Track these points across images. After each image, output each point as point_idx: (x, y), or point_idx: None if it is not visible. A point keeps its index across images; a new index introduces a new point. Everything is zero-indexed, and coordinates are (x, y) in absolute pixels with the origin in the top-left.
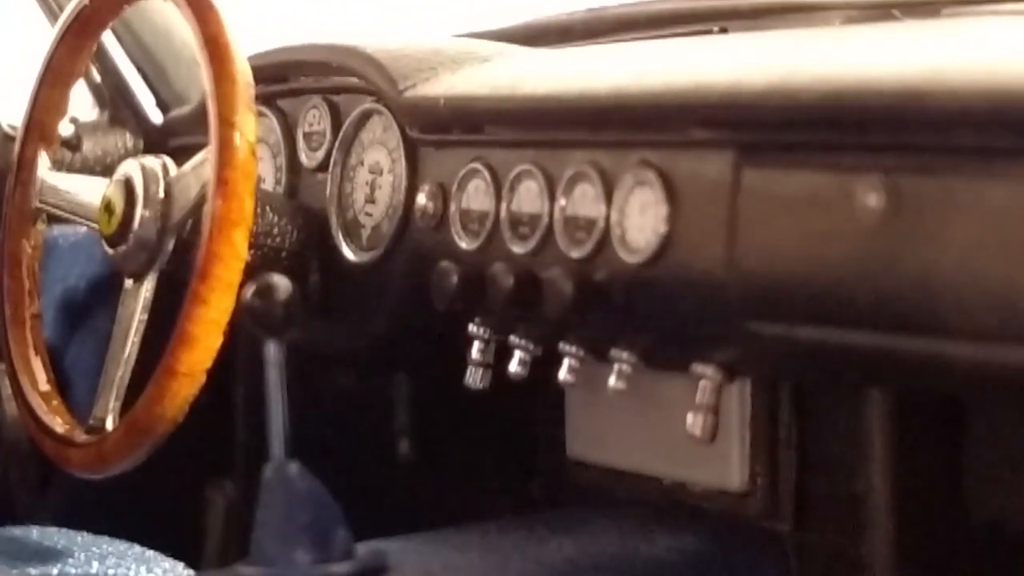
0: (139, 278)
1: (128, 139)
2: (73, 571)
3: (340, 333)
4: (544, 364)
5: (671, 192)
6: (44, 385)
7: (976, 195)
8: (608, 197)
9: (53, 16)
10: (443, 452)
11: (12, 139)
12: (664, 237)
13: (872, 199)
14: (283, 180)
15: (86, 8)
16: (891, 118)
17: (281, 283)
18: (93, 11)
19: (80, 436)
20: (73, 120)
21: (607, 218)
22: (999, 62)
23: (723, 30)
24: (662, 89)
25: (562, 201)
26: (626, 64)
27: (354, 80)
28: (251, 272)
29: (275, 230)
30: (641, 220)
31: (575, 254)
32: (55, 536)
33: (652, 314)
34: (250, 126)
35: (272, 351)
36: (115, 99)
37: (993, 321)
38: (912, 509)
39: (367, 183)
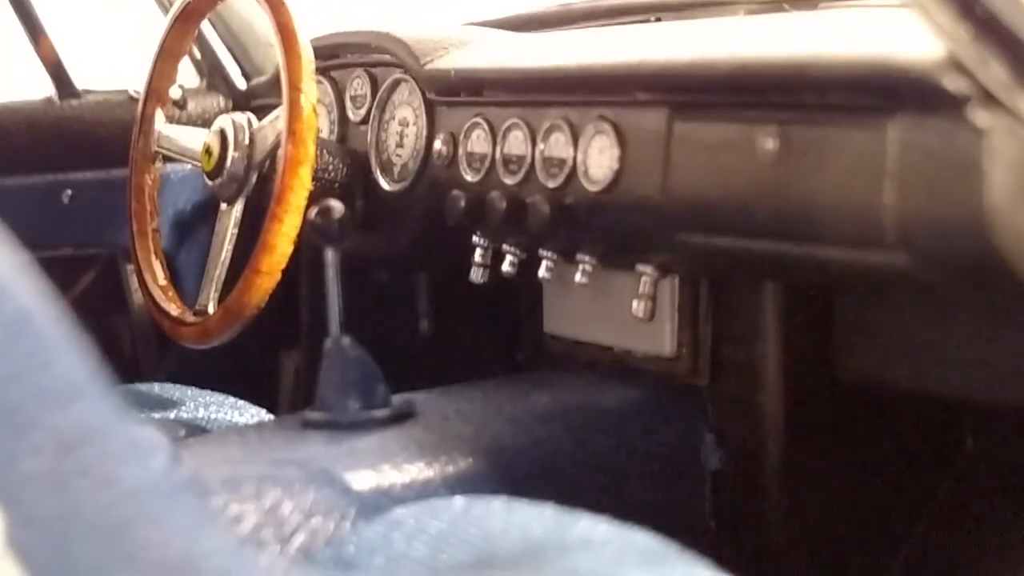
0: (231, 203)
1: (221, 100)
2: (185, 415)
3: (378, 243)
4: (528, 265)
5: (622, 138)
6: (162, 280)
7: (845, 139)
8: (575, 142)
9: (164, 9)
10: (453, 330)
11: (136, 100)
12: (616, 172)
13: (769, 143)
14: (336, 130)
15: (190, 4)
16: (783, 83)
17: (336, 206)
18: (195, 6)
19: (189, 318)
20: (181, 86)
21: (574, 158)
22: (861, 42)
23: (658, 19)
24: (614, 63)
25: (541, 146)
26: (588, 45)
27: (388, 57)
28: (313, 198)
29: (330, 167)
30: (599, 159)
31: (551, 184)
32: (171, 390)
33: (607, 228)
34: (312, 91)
35: (330, 256)
36: (211, 71)
37: (856, 231)
38: (795, 368)
39: (397, 133)
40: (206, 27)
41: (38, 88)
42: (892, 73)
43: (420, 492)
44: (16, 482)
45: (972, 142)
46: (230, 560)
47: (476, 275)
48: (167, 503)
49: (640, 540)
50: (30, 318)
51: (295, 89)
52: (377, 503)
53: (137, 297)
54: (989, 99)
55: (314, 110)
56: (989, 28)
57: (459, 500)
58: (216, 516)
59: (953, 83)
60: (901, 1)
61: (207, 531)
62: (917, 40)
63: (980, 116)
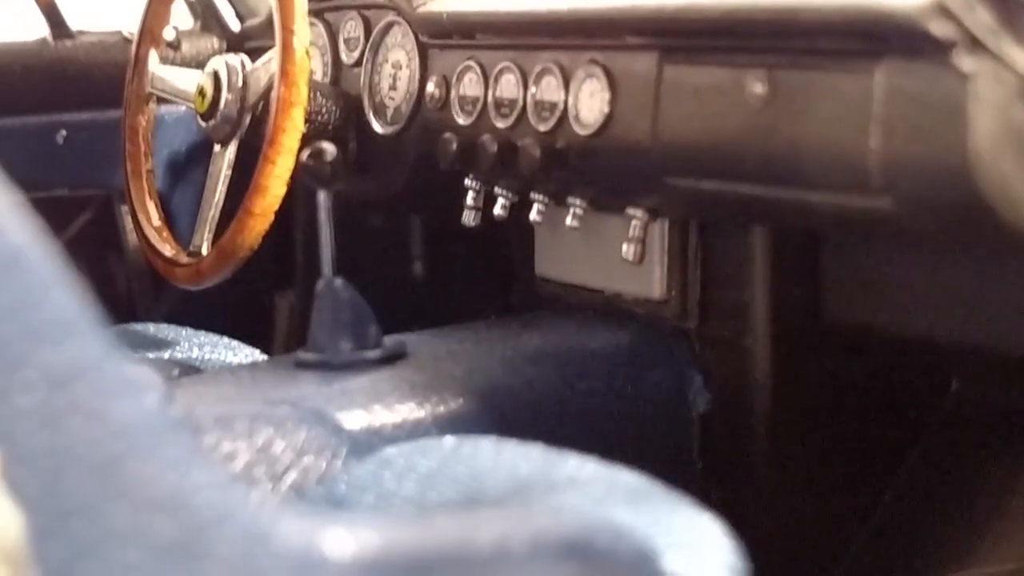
0: (224, 144)
1: (215, 42)
2: (179, 355)
3: (371, 185)
4: (519, 208)
5: (612, 82)
6: (156, 221)
7: (833, 84)
8: (566, 86)
9: None
10: (446, 272)
11: (130, 42)
12: (607, 115)
13: (758, 87)
14: (329, 73)
15: None
16: (771, 28)
17: (329, 148)
18: None
19: (183, 258)
20: (175, 27)
21: (565, 102)
22: None
23: None
24: (605, 7)
25: (533, 89)
26: None
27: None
28: (306, 140)
29: (323, 109)
30: (590, 103)
31: (542, 128)
32: (165, 330)
33: (597, 172)
34: (305, 33)
35: (322, 198)
36: (205, 12)
37: (842, 176)
38: (782, 312)
39: (390, 75)
40: None
41: (32, 28)
42: (879, 18)
43: (411, 432)
44: (8, 418)
45: (958, 87)
46: (220, 495)
47: (468, 218)
48: (158, 439)
49: (626, 479)
50: (21, 256)
51: (288, 31)
52: (368, 442)
53: (132, 238)
54: (975, 44)
55: (307, 52)
56: None
57: (449, 440)
58: (208, 453)
59: (939, 28)
60: None
61: (198, 467)
62: None
63: (966, 61)
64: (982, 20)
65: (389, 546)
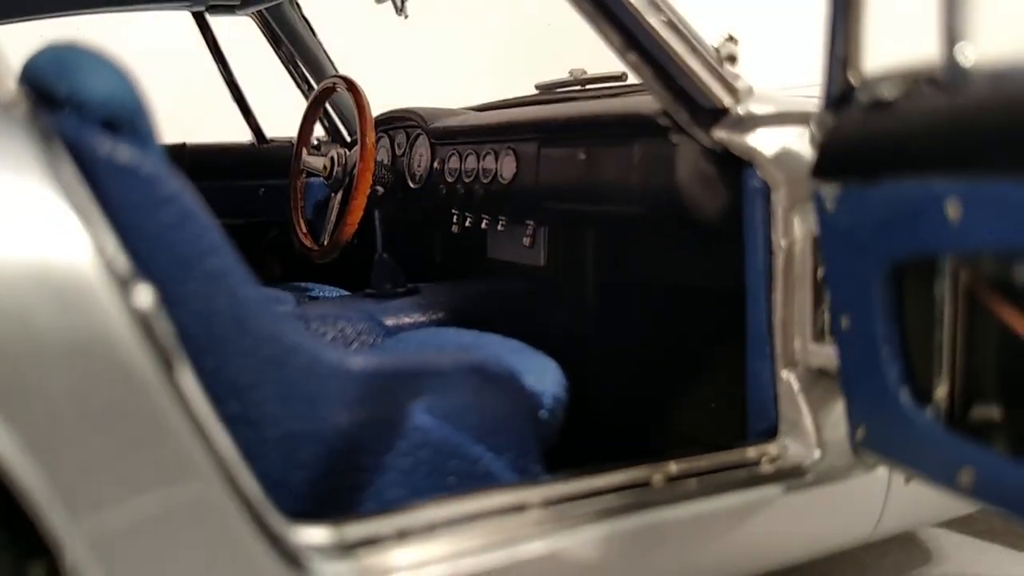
0: (336, 192)
1: (337, 147)
2: (311, 292)
3: (405, 211)
4: (477, 223)
5: (517, 157)
6: (304, 230)
7: (616, 152)
8: (496, 160)
9: (306, 97)
10: (441, 253)
11: (294, 145)
12: (515, 174)
13: (582, 155)
14: (388, 158)
15: (318, 95)
16: (587, 124)
17: (380, 189)
18: (319, 97)
19: (316, 247)
20: (316, 138)
21: (496, 168)
22: (627, 105)
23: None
24: (513, 121)
25: (482, 162)
26: (506, 115)
27: (413, 121)
28: (371, 188)
29: (384, 174)
30: (508, 168)
31: (485, 181)
32: (306, 283)
33: (511, 202)
34: (373, 138)
35: (377, 215)
36: (332, 128)
37: (620, 197)
38: (593, 266)
39: (417, 158)
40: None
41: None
42: (636, 118)
43: (415, 326)
44: (179, 294)
45: (671, 150)
46: (297, 336)
47: (454, 228)
48: (265, 307)
49: (515, 344)
50: (194, 214)
51: (365, 135)
52: (394, 330)
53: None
54: (679, 129)
55: (374, 146)
56: (679, 96)
57: (432, 329)
58: (294, 319)
59: (664, 121)
60: (648, 90)
61: (286, 322)
62: (650, 103)
63: (675, 138)
64: (683, 117)
65: (383, 362)
